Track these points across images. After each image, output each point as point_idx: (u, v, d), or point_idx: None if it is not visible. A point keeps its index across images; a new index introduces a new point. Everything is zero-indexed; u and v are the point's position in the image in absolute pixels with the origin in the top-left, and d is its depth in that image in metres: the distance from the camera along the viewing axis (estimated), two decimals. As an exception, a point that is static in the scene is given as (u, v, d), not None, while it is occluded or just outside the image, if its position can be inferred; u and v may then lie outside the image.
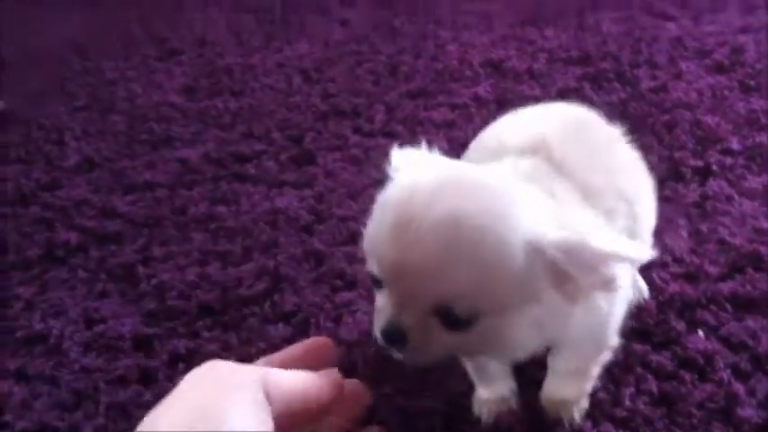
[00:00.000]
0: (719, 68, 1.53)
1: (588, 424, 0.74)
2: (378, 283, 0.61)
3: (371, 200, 0.63)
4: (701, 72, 1.52)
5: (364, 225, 0.62)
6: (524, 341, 0.60)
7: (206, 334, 0.94)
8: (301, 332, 0.93)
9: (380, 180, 0.64)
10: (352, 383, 0.64)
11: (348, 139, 1.40)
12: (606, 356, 0.74)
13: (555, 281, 0.56)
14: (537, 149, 0.68)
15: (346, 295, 0.98)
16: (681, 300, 0.88)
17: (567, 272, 0.55)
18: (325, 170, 1.30)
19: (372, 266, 0.60)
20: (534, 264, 0.55)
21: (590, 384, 0.75)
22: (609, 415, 0.75)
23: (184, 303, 0.99)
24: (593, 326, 0.66)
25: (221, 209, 1.22)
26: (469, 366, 0.77)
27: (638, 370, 0.79)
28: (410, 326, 0.57)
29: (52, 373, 0.90)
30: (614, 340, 0.72)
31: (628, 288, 0.70)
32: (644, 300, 0.88)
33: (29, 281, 1.08)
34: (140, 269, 1.07)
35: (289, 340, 0.91)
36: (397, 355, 0.60)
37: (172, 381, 0.82)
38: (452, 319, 0.56)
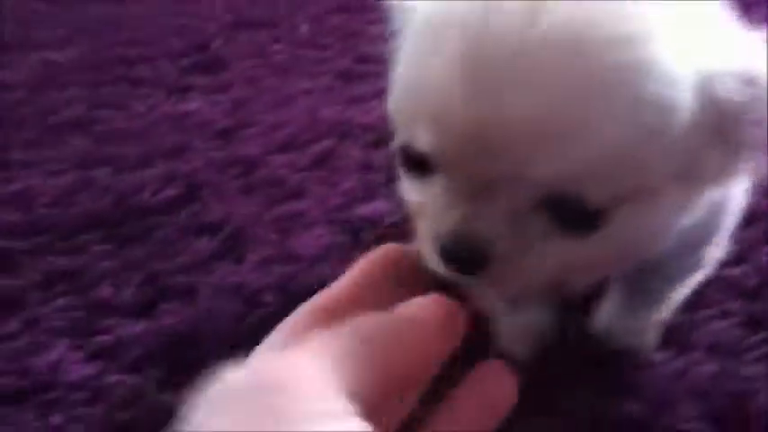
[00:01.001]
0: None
1: (667, 354, 0.53)
2: (422, 165, 0.34)
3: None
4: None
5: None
6: (664, 237, 0.37)
7: (95, 248, 0.66)
8: (233, 247, 0.67)
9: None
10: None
11: (267, 47, 1.14)
12: (700, 276, 0.51)
13: (718, 138, 0.33)
14: None
15: (292, 206, 0.73)
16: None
17: (740, 123, 0.32)
18: (242, 77, 1.03)
19: (416, 137, 0.33)
20: (702, 112, 0.32)
21: (667, 312, 0.54)
22: (688, 342, 0.55)
23: (60, 213, 0.71)
24: (712, 225, 0.44)
25: (104, 112, 0.93)
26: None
27: (716, 288, 0.59)
28: (498, 232, 0.32)
29: None
30: (719, 253, 0.49)
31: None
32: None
33: None
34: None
35: (217, 256, 0.65)
36: (471, 284, 0.33)
37: (46, 305, 0.56)
38: (575, 214, 0.32)
